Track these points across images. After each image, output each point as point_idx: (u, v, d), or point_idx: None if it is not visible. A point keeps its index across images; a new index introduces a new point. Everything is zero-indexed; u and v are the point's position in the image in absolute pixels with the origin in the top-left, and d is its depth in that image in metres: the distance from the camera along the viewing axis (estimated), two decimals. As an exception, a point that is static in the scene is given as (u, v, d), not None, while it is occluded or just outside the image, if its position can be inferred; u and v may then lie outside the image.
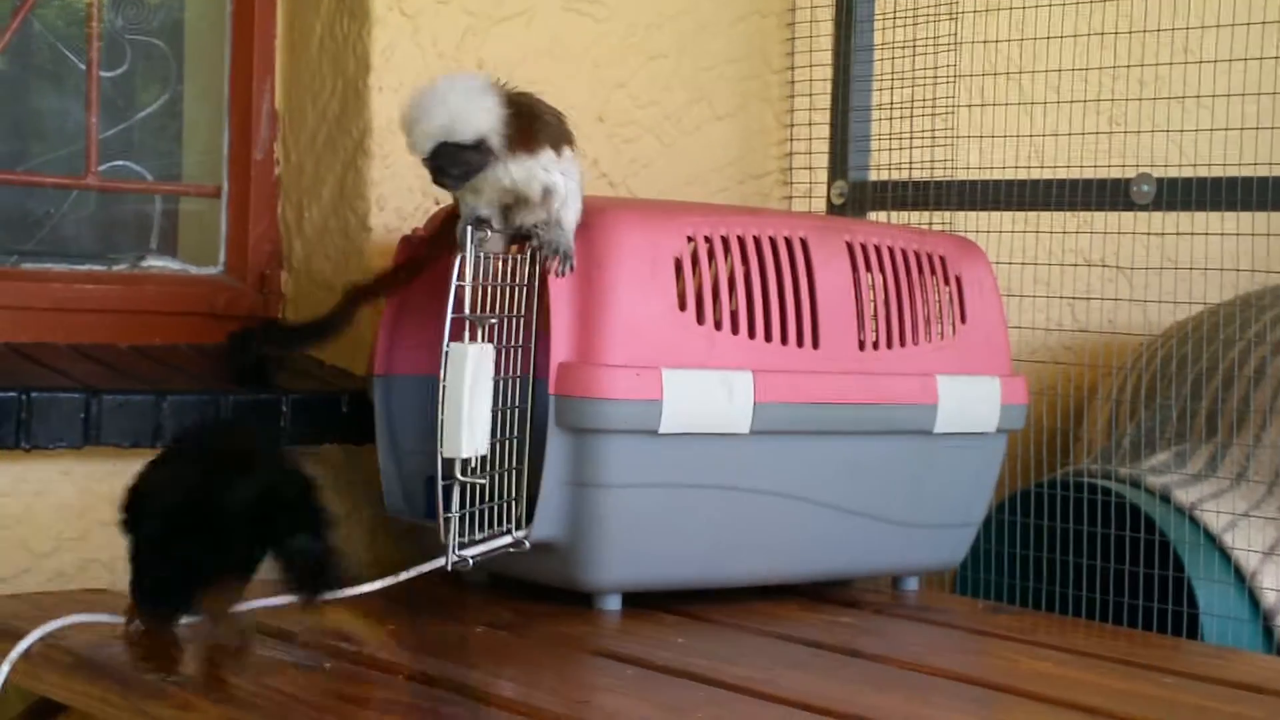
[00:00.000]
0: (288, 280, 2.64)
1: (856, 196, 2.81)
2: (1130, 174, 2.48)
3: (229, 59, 2.66)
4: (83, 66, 2.59)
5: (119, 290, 2.54)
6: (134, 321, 2.55)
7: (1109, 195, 2.50)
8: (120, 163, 2.65)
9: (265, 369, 2.40)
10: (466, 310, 2.03)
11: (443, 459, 2.01)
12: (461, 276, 2.03)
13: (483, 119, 2.00)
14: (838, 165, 2.83)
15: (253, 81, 2.64)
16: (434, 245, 2.23)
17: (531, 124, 2.03)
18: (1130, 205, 2.47)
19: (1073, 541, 2.57)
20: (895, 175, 2.78)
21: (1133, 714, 1.81)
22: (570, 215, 2.07)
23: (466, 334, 2.03)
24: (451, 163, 2.00)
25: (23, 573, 2.29)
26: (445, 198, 2.52)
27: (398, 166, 2.52)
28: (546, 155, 2.05)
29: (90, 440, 2.27)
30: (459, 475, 2.02)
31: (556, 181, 2.05)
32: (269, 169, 2.65)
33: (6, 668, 1.92)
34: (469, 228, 2.05)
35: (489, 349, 2.04)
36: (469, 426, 2.00)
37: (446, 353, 2.01)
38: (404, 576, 2.11)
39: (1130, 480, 2.57)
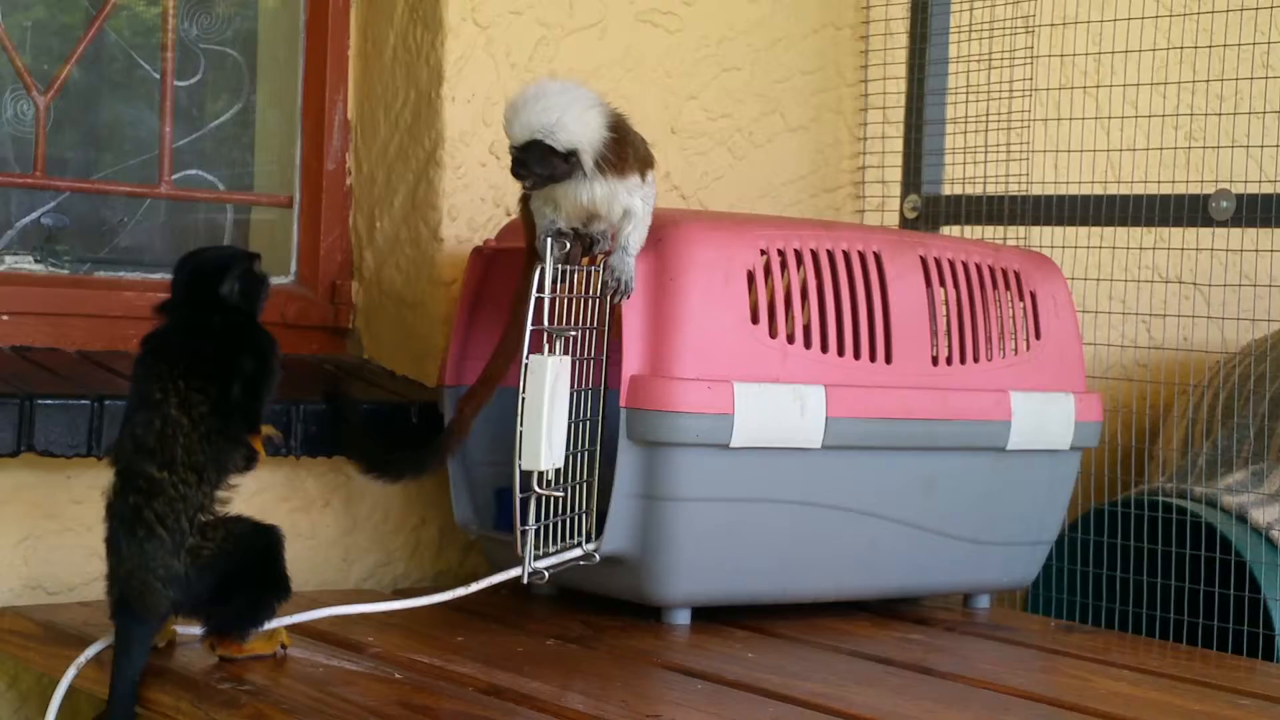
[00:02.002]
0: (358, 290, 2.64)
1: (930, 211, 2.79)
2: (1208, 190, 2.46)
3: (302, 68, 2.66)
4: (156, 75, 2.60)
5: (191, 299, 2.55)
6: (205, 330, 2.55)
7: (1187, 211, 2.47)
8: (192, 172, 2.65)
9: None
10: (546, 322, 2.02)
11: (521, 471, 2.00)
12: (541, 288, 2.02)
13: (584, 134, 1.99)
14: (911, 179, 2.82)
15: (325, 91, 2.64)
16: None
17: (625, 148, 2.02)
18: (1209, 221, 2.45)
19: (1147, 561, 2.54)
20: (969, 190, 2.76)
21: (1210, 737, 1.79)
22: (636, 240, 2.07)
23: (546, 346, 2.02)
24: (539, 163, 1.99)
25: (93, 580, 2.29)
26: (516, 206, 2.52)
27: (470, 177, 2.52)
28: (633, 179, 2.04)
29: (161, 448, 2.27)
30: (536, 488, 2.01)
31: (636, 206, 2.05)
32: (341, 179, 2.65)
33: (73, 672, 1.94)
34: (549, 239, 2.04)
35: (567, 361, 2.03)
36: (548, 439, 1.99)
37: (526, 365, 2.00)
38: (475, 588, 2.10)
39: (1206, 499, 2.54)
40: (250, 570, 1.90)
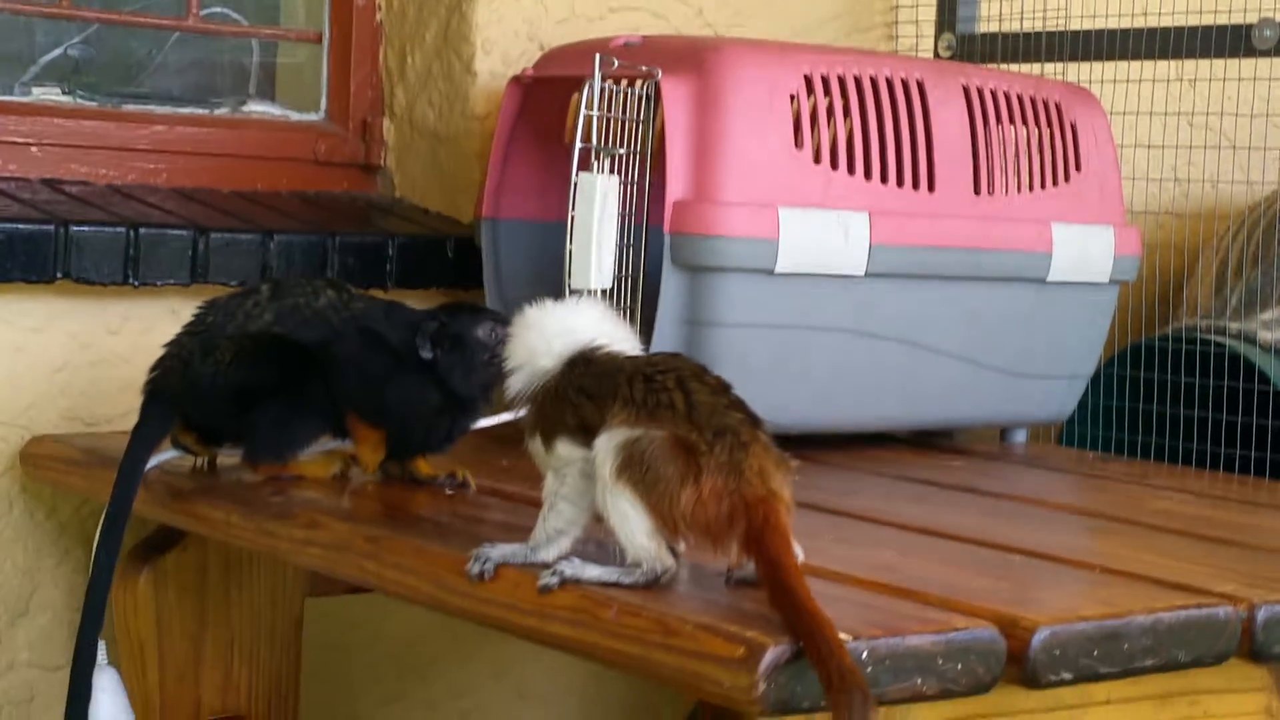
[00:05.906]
0: (389, 127, 2.62)
1: (964, 50, 2.76)
2: (1250, 19, 2.42)
3: (332, -100, 2.63)
4: (186, -93, 2.56)
5: (220, 134, 2.53)
6: (235, 166, 2.53)
7: (1229, 42, 2.45)
8: (218, 9, 2.62)
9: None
10: (594, 140, 2.00)
11: (570, 290, 1.99)
12: (590, 105, 1.99)
13: None
14: (945, 17, 2.78)
15: (355, -76, 2.61)
16: None
17: None
18: (1251, 52, 2.42)
19: (1183, 394, 2.53)
20: (1005, 27, 2.73)
21: (1267, 544, 1.78)
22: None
23: (594, 165, 2.00)
24: None
25: (131, 411, 2.27)
26: (550, 40, 2.49)
27: (504, 10, 2.49)
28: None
29: (198, 278, 2.26)
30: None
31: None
32: (371, 14, 2.62)
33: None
34: (598, 56, 2.01)
35: (615, 180, 2.01)
36: (597, 257, 1.98)
37: (575, 184, 1.99)
38: (520, 413, 2.09)
39: (1243, 335, 2.53)
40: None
